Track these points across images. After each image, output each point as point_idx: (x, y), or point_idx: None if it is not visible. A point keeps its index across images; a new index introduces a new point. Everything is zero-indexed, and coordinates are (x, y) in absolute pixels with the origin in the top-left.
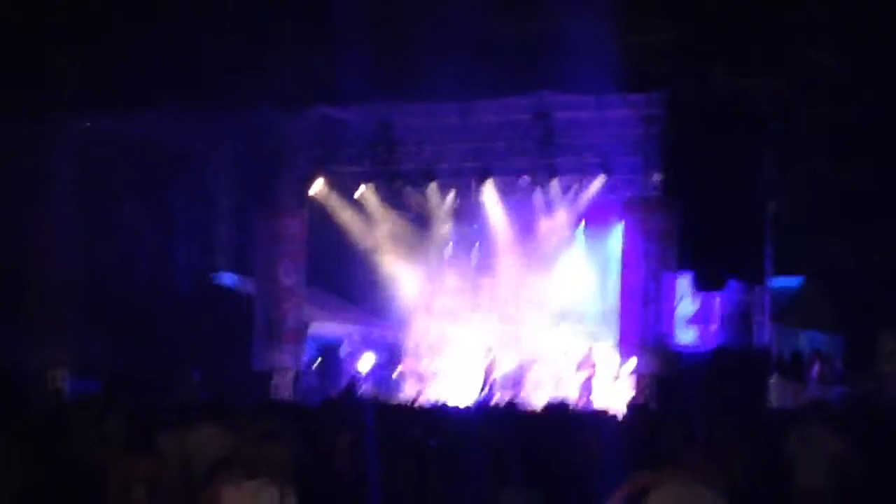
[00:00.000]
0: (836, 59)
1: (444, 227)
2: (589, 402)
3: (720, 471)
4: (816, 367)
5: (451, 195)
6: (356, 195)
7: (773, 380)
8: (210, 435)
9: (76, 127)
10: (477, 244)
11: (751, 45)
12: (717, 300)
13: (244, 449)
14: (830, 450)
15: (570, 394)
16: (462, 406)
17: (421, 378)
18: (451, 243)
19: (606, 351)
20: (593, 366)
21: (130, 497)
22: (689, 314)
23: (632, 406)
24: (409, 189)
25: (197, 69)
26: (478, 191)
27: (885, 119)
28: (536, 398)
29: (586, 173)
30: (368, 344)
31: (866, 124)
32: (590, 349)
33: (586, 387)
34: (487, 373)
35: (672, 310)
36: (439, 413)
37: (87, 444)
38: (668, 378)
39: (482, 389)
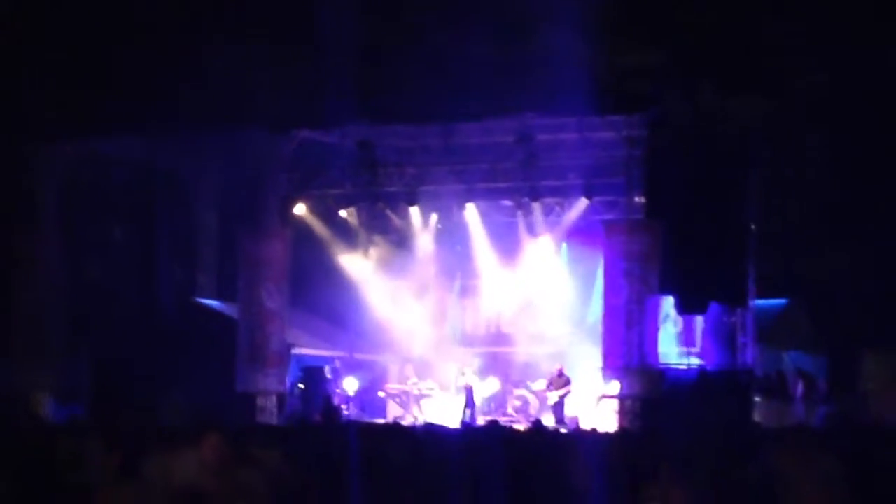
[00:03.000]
0: (825, 80)
1: (427, 249)
2: (568, 421)
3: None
4: (800, 388)
5: (434, 217)
6: (339, 217)
7: (758, 400)
8: (194, 459)
9: (61, 150)
10: (459, 267)
11: (733, 66)
12: (701, 322)
13: (226, 473)
14: (817, 470)
15: (550, 414)
16: (446, 427)
17: (405, 400)
18: (434, 265)
19: (590, 372)
20: (566, 383)
21: None
22: (672, 336)
23: (616, 428)
24: (391, 211)
25: (180, 92)
26: (460, 213)
27: (870, 141)
28: (520, 419)
29: (569, 195)
30: (352, 366)
31: (851, 146)
32: (560, 367)
33: (559, 406)
34: (469, 394)
35: (655, 331)
36: (423, 435)
37: (69, 469)
38: (651, 400)
39: (465, 411)
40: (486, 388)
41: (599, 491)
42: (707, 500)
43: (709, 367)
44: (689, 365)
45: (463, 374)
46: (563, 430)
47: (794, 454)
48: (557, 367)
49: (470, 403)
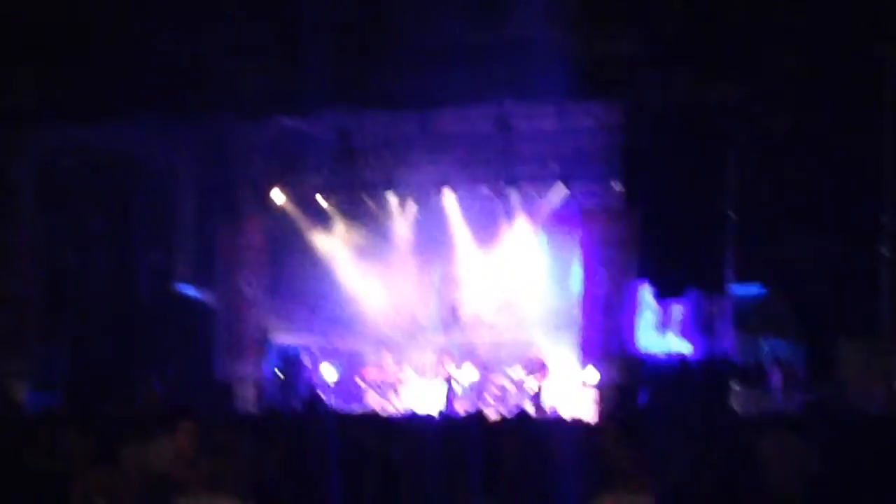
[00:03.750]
0: (800, 66)
1: (405, 236)
2: (546, 409)
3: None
4: (778, 375)
5: (412, 204)
6: (317, 204)
7: (736, 388)
8: (169, 447)
9: (38, 137)
10: (437, 254)
11: (711, 52)
12: (679, 309)
13: (202, 461)
14: (795, 457)
15: (529, 402)
16: (425, 416)
17: (383, 388)
18: (411, 252)
19: (568, 360)
20: (544, 370)
21: None
22: (651, 324)
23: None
24: (369, 198)
25: (156, 78)
26: (438, 200)
27: (850, 127)
28: (499, 407)
29: (547, 182)
30: (330, 354)
31: (830, 133)
32: (538, 354)
33: (537, 394)
34: (448, 382)
35: (633, 319)
36: (402, 423)
37: (46, 456)
38: (630, 387)
39: (445, 399)
40: (465, 377)
41: (578, 481)
42: (685, 487)
43: (687, 356)
44: (667, 353)
45: (442, 362)
46: (541, 419)
47: (772, 442)
48: (536, 354)
49: (450, 391)
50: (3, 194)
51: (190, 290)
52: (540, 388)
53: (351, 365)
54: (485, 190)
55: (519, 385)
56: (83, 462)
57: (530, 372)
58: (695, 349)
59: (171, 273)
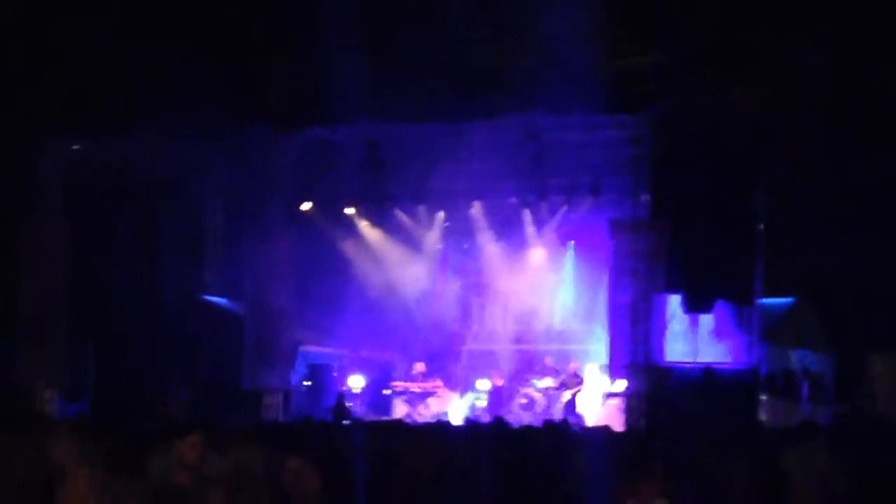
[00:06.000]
0: (831, 76)
1: (434, 248)
2: (576, 419)
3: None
4: (807, 387)
5: (440, 216)
6: (346, 215)
7: (764, 399)
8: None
9: (67, 146)
10: (466, 266)
11: (740, 64)
12: (708, 320)
13: (227, 478)
14: (822, 468)
15: (557, 412)
16: (453, 425)
17: (411, 398)
18: (440, 263)
19: (596, 371)
20: (580, 382)
21: None
22: (679, 334)
23: (622, 426)
24: (398, 209)
25: (186, 90)
26: (467, 211)
27: (881, 138)
28: (526, 417)
29: (575, 194)
30: (359, 364)
31: (858, 144)
32: (574, 366)
33: (570, 404)
34: (476, 391)
35: (662, 330)
36: (430, 432)
37: (77, 465)
38: (658, 398)
39: (472, 408)
40: (492, 387)
41: (604, 489)
42: (711, 498)
43: (715, 366)
44: (695, 363)
45: (470, 372)
46: (573, 428)
47: (799, 453)
48: (572, 366)
49: (478, 402)
50: (31, 205)
51: (219, 300)
52: (573, 398)
53: (379, 375)
54: (514, 201)
55: (547, 395)
56: (110, 471)
57: (565, 384)
58: (723, 360)
59: (200, 283)
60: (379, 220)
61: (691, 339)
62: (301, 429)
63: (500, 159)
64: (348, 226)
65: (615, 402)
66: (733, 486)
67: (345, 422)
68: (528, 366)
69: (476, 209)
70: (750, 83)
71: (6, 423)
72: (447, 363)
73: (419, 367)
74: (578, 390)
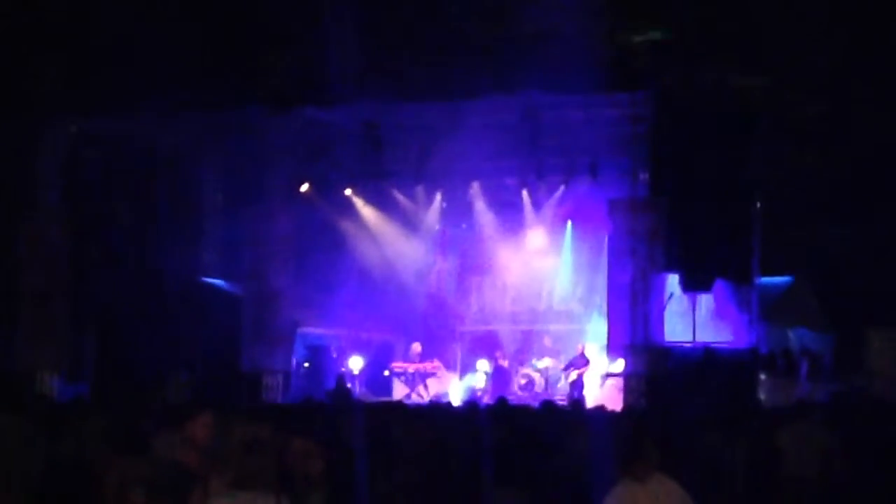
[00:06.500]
0: (829, 54)
1: (433, 228)
2: (580, 399)
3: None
4: (806, 365)
5: (439, 196)
6: (344, 196)
7: (763, 378)
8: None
9: (64, 129)
10: (465, 246)
11: (737, 42)
12: (707, 299)
13: (234, 457)
14: (819, 445)
15: (561, 391)
16: (452, 405)
17: (410, 378)
18: (439, 243)
19: (595, 350)
20: (586, 363)
21: (129, 499)
22: (677, 314)
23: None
24: (396, 190)
25: (183, 70)
26: (465, 191)
27: (879, 117)
28: (527, 397)
29: (574, 173)
30: (358, 345)
31: (858, 122)
32: (582, 346)
33: (578, 384)
34: (475, 372)
35: (661, 309)
36: (429, 412)
37: (78, 446)
38: (657, 377)
39: (472, 388)
40: (491, 367)
41: (603, 468)
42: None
43: (714, 345)
44: (694, 343)
45: (469, 353)
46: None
47: (795, 431)
48: (580, 346)
49: (478, 381)
50: (29, 188)
51: (217, 282)
52: (580, 378)
53: (378, 356)
54: (512, 181)
55: (546, 375)
56: (116, 452)
57: (572, 364)
58: (722, 339)
59: (200, 264)
60: (377, 200)
61: (690, 319)
62: (304, 410)
63: (498, 139)
64: (346, 206)
65: (614, 381)
66: (731, 465)
67: (346, 403)
68: (526, 346)
69: (474, 189)
70: (747, 62)
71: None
72: (446, 344)
73: (416, 347)
74: (585, 370)
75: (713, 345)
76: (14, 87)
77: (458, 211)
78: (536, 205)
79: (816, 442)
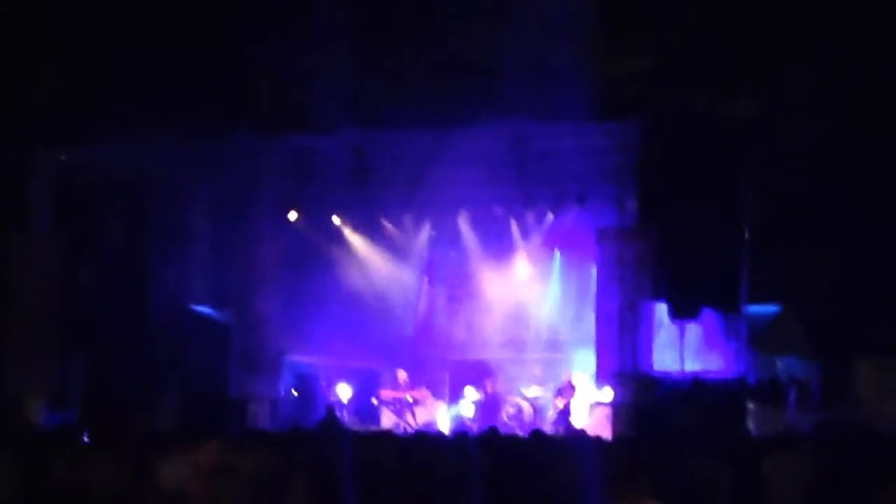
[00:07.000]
0: (817, 82)
1: (421, 256)
2: (568, 428)
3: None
4: (794, 394)
5: (427, 224)
6: (332, 223)
7: (751, 407)
8: (187, 465)
9: (55, 154)
10: (453, 274)
11: (727, 70)
12: (695, 328)
13: (201, 484)
14: (804, 474)
15: (549, 420)
16: (441, 434)
17: (398, 407)
18: (427, 271)
19: (584, 379)
20: (573, 390)
21: None
22: (666, 343)
23: (609, 435)
24: (384, 218)
25: (172, 97)
26: (454, 219)
27: (867, 145)
28: (516, 426)
29: (562, 202)
30: (346, 372)
31: (845, 150)
32: (569, 375)
33: (565, 413)
34: (464, 401)
35: (650, 338)
36: (418, 441)
37: (65, 473)
38: (645, 406)
39: (460, 417)
40: (480, 396)
41: (591, 497)
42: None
43: (702, 374)
44: (683, 373)
45: (457, 381)
46: (562, 437)
47: (781, 459)
48: (567, 375)
49: (465, 411)
50: (19, 211)
51: (205, 308)
52: (567, 408)
53: (366, 384)
54: (500, 209)
55: (535, 404)
56: (99, 480)
57: (560, 392)
58: (710, 368)
59: (188, 291)
60: (365, 227)
61: (679, 348)
62: (293, 438)
63: (486, 167)
64: (334, 233)
65: (602, 410)
66: (719, 493)
67: (336, 433)
68: (514, 374)
69: (463, 217)
70: (736, 90)
71: None
72: (433, 372)
73: (402, 374)
74: (572, 398)
75: (702, 375)
76: (5, 112)
77: (447, 239)
78: (524, 233)
79: (801, 471)
